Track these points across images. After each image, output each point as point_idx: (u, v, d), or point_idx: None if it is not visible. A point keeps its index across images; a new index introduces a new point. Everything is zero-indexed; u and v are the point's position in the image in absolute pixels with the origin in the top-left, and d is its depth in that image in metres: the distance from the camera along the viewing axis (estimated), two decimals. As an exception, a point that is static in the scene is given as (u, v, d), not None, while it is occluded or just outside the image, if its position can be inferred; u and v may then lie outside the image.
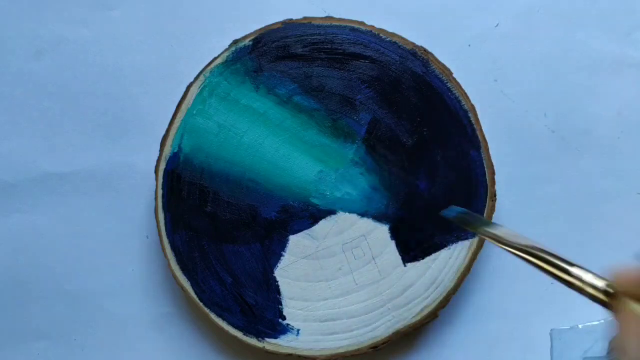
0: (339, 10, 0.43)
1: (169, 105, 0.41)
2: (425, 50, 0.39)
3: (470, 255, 0.38)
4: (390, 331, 0.38)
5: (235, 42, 0.40)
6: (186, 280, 0.39)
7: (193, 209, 0.39)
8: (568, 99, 0.43)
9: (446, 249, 0.38)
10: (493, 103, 0.42)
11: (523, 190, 0.42)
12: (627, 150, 0.42)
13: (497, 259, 0.42)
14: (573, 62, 0.43)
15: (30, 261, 0.43)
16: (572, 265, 0.24)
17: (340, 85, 0.39)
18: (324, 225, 0.39)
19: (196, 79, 0.40)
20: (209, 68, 0.40)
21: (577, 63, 0.43)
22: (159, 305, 0.43)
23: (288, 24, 0.40)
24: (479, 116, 0.39)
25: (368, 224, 0.39)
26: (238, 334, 0.39)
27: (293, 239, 0.39)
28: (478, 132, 0.39)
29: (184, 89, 0.40)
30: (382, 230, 0.39)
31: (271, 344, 0.39)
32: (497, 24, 0.43)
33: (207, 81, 0.40)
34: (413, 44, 0.39)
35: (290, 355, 0.39)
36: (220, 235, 0.39)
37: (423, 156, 0.39)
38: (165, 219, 0.40)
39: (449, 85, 0.39)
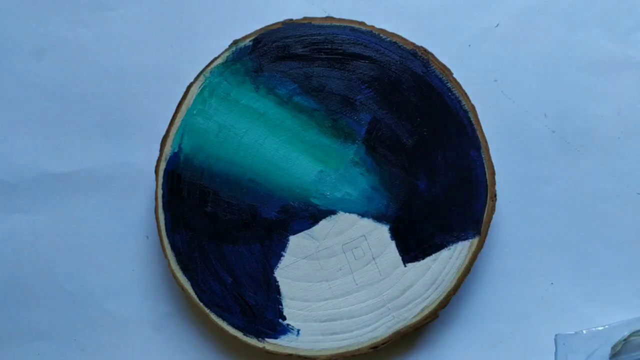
0: (339, 10, 0.43)
1: (169, 105, 0.41)
2: (425, 50, 0.39)
3: (470, 255, 0.38)
4: (390, 331, 0.38)
5: (235, 42, 0.40)
6: (186, 280, 0.39)
7: (193, 209, 0.39)
8: (568, 99, 0.43)
9: (446, 249, 0.38)
10: (493, 103, 0.42)
11: (523, 190, 0.42)
12: (627, 150, 0.42)
13: (497, 259, 0.42)
14: (573, 62, 0.43)
15: (30, 261, 0.43)
16: None
17: (340, 85, 0.39)
18: (324, 225, 0.39)
19: (196, 79, 0.40)
20: (209, 68, 0.40)
21: (577, 63, 0.43)
22: (159, 305, 0.43)
23: (288, 24, 0.40)
24: (479, 116, 0.39)
25: (368, 224, 0.39)
26: (238, 334, 0.39)
27: (293, 239, 0.39)
28: (478, 132, 0.39)
29: (184, 89, 0.40)
30: (382, 230, 0.39)
31: (271, 344, 0.39)
32: (497, 24, 0.43)
33: (207, 81, 0.40)
34: (413, 44, 0.39)
35: (290, 355, 0.39)
36: (220, 235, 0.39)
37: (423, 156, 0.39)
38: (165, 219, 0.40)
39: (449, 85, 0.39)
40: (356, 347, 0.39)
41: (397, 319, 0.38)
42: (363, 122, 0.39)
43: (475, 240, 0.39)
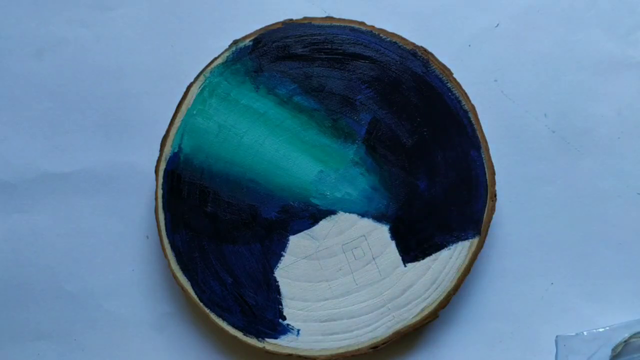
0: (339, 10, 0.43)
1: (169, 105, 0.41)
2: (425, 50, 0.39)
3: (470, 255, 0.38)
4: (390, 331, 0.38)
5: (235, 42, 0.40)
6: (186, 280, 0.39)
7: (193, 209, 0.39)
8: (568, 99, 0.43)
9: (446, 249, 0.38)
10: (493, 103, 0.42)
11: (523, 190, 0.42)
12: (627, 150, 0.42)
13: (497, 259, 0.42)
14: (573, 62, 0.43)
15: (30, 261, 0.43)
16: None
17: (340, 85, 0.39)
18: (324, 225, 0.39)
19: (196, 79, 0.40)
20: (209, 68, 0.40)
21: (577, 63, 0.43)
22: (159, 305, 0.43)
23: (288, 24, 0.40)
24: (479, 116, 0.39)
25: (368, 224, 0.39)
26: (238, 334, 0.39)
27: (293, 239, 0.39)
28: (478, 132, 0.39)
29: (184, 89, 0.40)
30: (382, 230, 0.39)
31: (271, 344, 0.39)
32: (497, 24, 0.43)
33: (207, 81, 0.40)
34: (413, 44, 0.39)
35: (290, 355, 0.39)
36: (220, 235, 0.39)
37: (423, 156, 0.39)
38: (165, 219, 0.40)
39: (449, 85, 0.39)
40: (356, 347, 0.39)
41: (397, 319, 0.38)
42: (363, 122, 0.39)
43: (475, 240, 0.39)
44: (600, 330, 0.38)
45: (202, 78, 0.40)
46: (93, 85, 0.44)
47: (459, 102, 0.39)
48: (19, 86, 0.44)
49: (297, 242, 0.39)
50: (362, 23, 0.40)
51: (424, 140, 0.39)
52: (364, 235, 0.39)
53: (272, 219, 0.39)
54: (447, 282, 0.38)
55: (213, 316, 0.39)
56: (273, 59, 0.40)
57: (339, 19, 0.40)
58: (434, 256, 0.39)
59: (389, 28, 0.40)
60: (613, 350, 0.38)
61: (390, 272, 0.39)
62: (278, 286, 0.39)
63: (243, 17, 0.43)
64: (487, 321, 0.42)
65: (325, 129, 0.39)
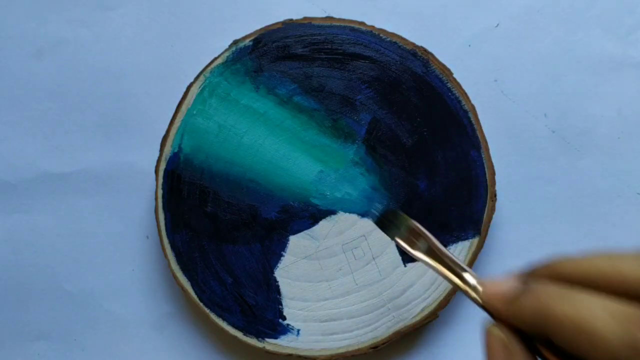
0: (339, 10, 0.43)
1: (169, 105, 0.41)
2: (425, 50, 0.39)
3: (470, 255, 0.38)
4: (390, 331, 0.38)
5: (235, 42, 0.40)
6: (186, 280, 0.39)
7: (193, 209, 0.39)
8: (568, 99, 0.43)
9: (446, 249, 0.38)
10: (493, 103, 0.42)
11: (523, 190, 0.42)
12: (627, 150, 0.42)
13: (498, 259, 0.42)
14: (573, 62, 0.43)
15: (30, 261, 0.43)
16: (464, 270, 0.25)
17: (340, 85, 0.39)
18: (324, 225, 0.39)
19: (196, 79, 0.40)
20: (209, 68, 0.40)
21: (577, 63, 0.43)
22: (159, 305, 0.43)
23: (288, 24, 0.40)
24: (479, 116, 0.39)
25: (368, 224, 0.39)
26: (238, 334, 0.39)
27: (293, 239, 0.39)
28: (478, 132, 0.39)
29: (184, 89, 0.40)
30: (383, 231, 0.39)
31: (271, 344, 0.39)
32: (497, 24, 0.43)
33: (207, 81, 0.40)
34: (413, 44, 0.39)
35: (290, 355, 0.39)
36: (220, 235, 0.39)
37: (423, 156, 0.39)
38: (165, 219, 0.40)
39: (449, 85, 0.39)
40: (356, 347, 0.39)
41: (397, 319, 0.38)
42: (363, 122, 0.39)
43: (475, 240, 0.39)
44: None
45: (202, 78, 0.40)
46: (93, 85, 0.44)
47: (459, 102, 0.39)
48: (19, 86, 0.44)
49: (297, 242, 0.39)
50: (362, 23, 0.40)
51: (424, 140, 0.39)
52: (364, 235, 0.39)
53: (272, 219, 0.39)
54: (447, 283, 0.38)
55: (213, 316, 0.39)
56: (273, 59, 0.40)
57: (339, 19, 0.40)
58: (434, 256, 0.39)
59: (389, 28, 0.40)
60: None
61: (390, 272, 0.39)
62: (278, 286, 0.39)
63: (243, 17, 0.43)
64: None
65: (325, 129, 0.39)
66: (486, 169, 0.39)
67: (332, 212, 0.39)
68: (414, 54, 0.39)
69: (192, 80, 0.40)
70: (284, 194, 0.39)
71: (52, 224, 0.43)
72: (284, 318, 0.39)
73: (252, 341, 0.39)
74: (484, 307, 0.23)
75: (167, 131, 0.40)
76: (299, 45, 0.40)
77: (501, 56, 0.43)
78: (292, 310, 0.39)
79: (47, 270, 0.43)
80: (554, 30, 0.43)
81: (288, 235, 0.39)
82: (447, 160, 0.39)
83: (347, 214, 0.39)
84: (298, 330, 0.39)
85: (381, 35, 0.39)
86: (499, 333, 0.21)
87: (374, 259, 0.39)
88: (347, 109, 0.39)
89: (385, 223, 0.33)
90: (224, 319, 0.39)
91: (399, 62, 0.39)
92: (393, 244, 0.39)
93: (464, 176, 0.39)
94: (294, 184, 0.39)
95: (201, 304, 0.39)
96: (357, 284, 0.39)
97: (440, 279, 0.38)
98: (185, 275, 0.39)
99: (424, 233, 0.29)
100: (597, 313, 0.18)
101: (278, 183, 0.39)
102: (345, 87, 0.39)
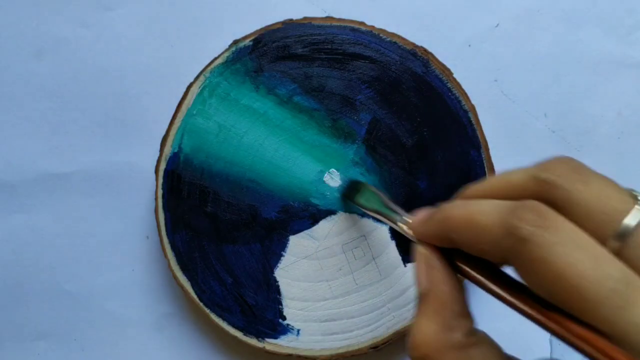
0: (339, 10, 0.43)
1: (169, 105, 0.41)
2: (425, 50, 0.39)
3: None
4: (390, 331, 0.38)
5: (235, 42, 0.40)
6: (186, 280, 0.39)
7: (193, 209, 0.39)
8: (568, 99, 0.43)
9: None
10: (493, 103, 0.42)
11: (523, 190, 0.42)
12: (627, 150, 0.42)
13: (497, 259, 0.42)
14: (573, 62, 0.43)
15: (30, 261, 0.43)
16: (404, 214, 0.29)
17: (340, 85, 0.39)
18: (324, 225, 0.39)
19: (196, 79, 0.40)
20: (209, 68, 0.40)
21: (577, 63, 0.43)
22: (159, 305, 0.43)
23: (288, 24, 0.40)
24: (479, 116, 0.39)
25: (368, 224, 0.39)
26: (238, 334, 0.39)
27: (293, 239, 0.39)
28: (478, 132, 0.39)
29: (184, 89, 0.40)
30: (382, 230, 0.39)
31: (271, 344, 0.39)
32: (497, 24, 0.43)
33: (207, 81, 0.40)
34: (413, 44, 0.39)
35: (290, 355, 0.39)
36: (220, 235, 0.39)
37: (423, 156, 0.39)
38: (165, 219, 0.40)
39: (449, 85, 0.39)
40: (356, 347, 0.39)
41: (397, 319, 0.38)
42: (363, 122, 0.39)
43: (475, 240, 0.39)
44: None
45: (202, 78, 0.40)
46: (93, 85, 0.44)
47: (459, 102, 0.39)
48: (19, 86, 0.44)
49: (297, 242, 0.39)
50: (362, 23, 0.40)
51: (424, 140, 0.39)
52: (364, 235, 0.39)
53: (272, 219, 0.39)
54: (447, 282, 0.38)
55: (213, 316, 0.39)
56: (273, 59, 0.40)
57: (339, 19, 0.40)
58: (434, 256, 0.39)
59: (389, 28, 0.40)
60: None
61: (390, 272, 0.39)
62: (278, 286, 0.39)
63: (243, 17, 0.43)
64: (487, 321, 0.42)
65: (325, 129, 0.39)
66: (486, 169, 0.39)
67: (332, 212, 0.39)
68: (414, 54, 0.39)
69: (192, 80, 0.40)
70: (284, 194, 0.39)
71: (52, 224, 0.43)
72: (284, 318, 0.39)
73: (252, 341, 0.39)
74: (412, 235, 0.26)
75: (167, 131, 0.40)
76: (299, 45, 0.40)
77: (501, 56, 0.43)
78: (292, 310, 0.39)
79: (47, 270, 0.43)
80: (554, 30, 0.43)
81: (288, 235, 0.39)
82: (447, 160, 0.39)
83: (347, 214, 0.39)
84: (298, 330, 0.39)
85: (381, 35, 0.39)
86: (422, 249, 0.24)
87: (374, 259, 0.39)
88: (347, 109, 0.39)
89: (349, 193, 0.37)
90: (224, 319, 0.39)
91: (399, 62, 0.39)
92: (393, 243, 0.39)
93: (464, 176, 0.39)
94: (294, 184, 0.39)
95: (201, 304, 0.39)
96: (357, 284, 0.39)
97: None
98: (185, 275, 0.39)
99: (377, 192, 0.34)
100: (483, 209, 0.21)
101: (278, 183, 0.39)
102: (345, 87, 0.39)
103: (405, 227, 0.27)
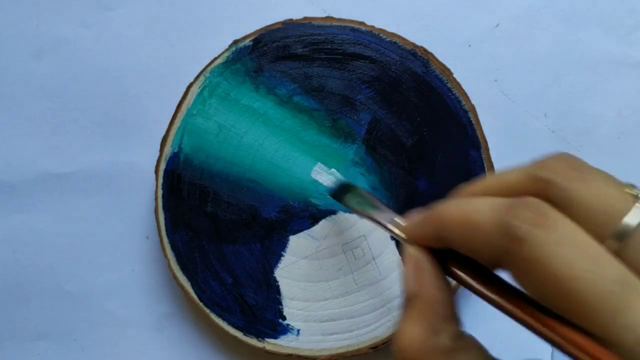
0: (339, 10, 0.43)
1: (169, 105, 0.41)
2: (425, 50, 0.39)
3: (470, 255, 0.38)
4: (390, 331, 0.38)
5: (235, 42, 0.40)
6: (186, 280, 0.39)
7: (193, 209, 0.39)
8: (568, 99, 0.43)
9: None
10: (493, 103, 0.42)
11: (523, 190, 0.42)
12: (627, 150, 0.42)
13: (497, 259, 0.42)
14: (573, 62, 0.43)
15: (30, 261, 0.43)
16: (396, 217, 0.28)
17: (340, 85, 0.39)
18: (324, 225, 0.39)
19: (196, 79, 0.40)
20: (209, 68, 0.40)
21: (577, 63, 0.43)
22: (159, 305, 0.43)
23: (288, 24, 0.40)
24: (479, 116, 0.39)
25: (368, 223, 0.39)
26: (238, 334, 0.39)
27: (293, 239, 0.39)
28: (478, 132, 0.39)
29: (184, 89, 0.40)
30: (382, 231, 0.39)
31: (271, 344, 0.39)
32: (497, 24, 0.43)
33: (207, 81, 0.40)
34: (413, 44, 0.39)
35: (290, 355, 0.39)
36: (220, 235, 0.39)
37: (423, 156, 0.39)
38: (165, 219, 0.40)
39: (449, 85, 0.39)
40: (356, 347, 0.39)
41: (397, 319, 0.38)
42: (363, 122, 0.39)
43: (475, 240, 0.39)
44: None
45: (202, 78, 0.40)
46: (93, 85, 0.44)
47: (459, 102, 0.39)
48: (19, 86, 0.44)
49: (297, 242, 0.39)
50: (362, 23, 0.40)
51: (424, 140, 0.39)
52: (364, 235, 0.39)
53: (272, 219, 0.39)
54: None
55: (213, 316, 0.39)
56: (273, 59, 0.40)
57: (339, 19, 0.40)
58: (434, 256, 0.39)
59: (389, 28, 0.40)
60: None
61: (390, 272, 0.39)
62: (278, 286, 0.39)
63: (243, 17, 0.43)
64: (487, 321, 0.42)
65: (325, 129, 0.39)
66: (486, 169, 0.39)
67: (332, 212, 0.39)
68: (414, 54, 0.39)
69: (192, 80, 0.40)
70: (284, 194, 0.39)
71: (52, 224, 0.43)
72: (284, 318, 0.39)
73: (252, 341, 0.39)
74: (405, 238, 0.25)
75: (167, 131, 0.40)
76: (299, 45, 0.40)
77: (501, 56, 0.43)
78: (292, 310, 0.39)
79: (47, 270, 0.43)
80: (554, 30, 0.43)
81: (288, 235, 0.39)
82: (447, 160, 0.39)
83: (347, 214, 0.39)
84: (298, 330, 0.39)
85: (381, 35, 0.39)
86: (412, 251, 0.23)
87: (374, 259, 0.39)
88: (347, 109, 0.39)
89: (339, 194, 0.36)
90: (224, 319, 0.39)
91: (399, 62, 0.39)
92: (393, 243, 0.39)
93: (464, 176, 0.39)
94: (294, 184, 0.39)
95: (201, 304, 0.39)
96: (357, 284, 0.39)
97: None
98: (185, 275, 0.39)
99: (368, 195, 0.33)
100: (478, 208, 0.20)
101: (278, 183, 0.39)
102: (345, 87, 0.39)
103: (396, 230, 0.27)
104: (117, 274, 0.43)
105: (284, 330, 0.39)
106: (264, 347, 0.39)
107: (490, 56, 0.43)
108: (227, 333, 0.39)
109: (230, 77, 0.40)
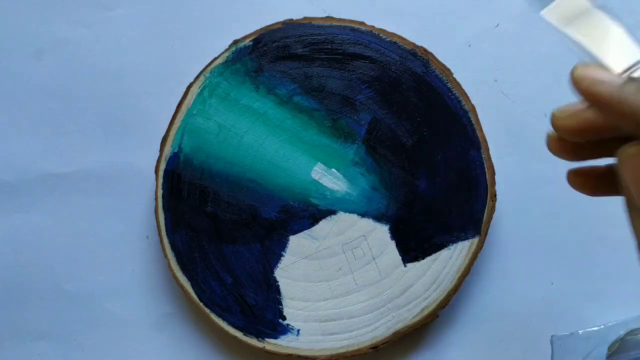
0: (339, 10, 0.43)
1: (169, 105, 0.41)
2: (425, 50, 0.39)
3: (470, 255, 0.38)
4: (390, 331, 0.38)
5: (235, 42, 0.40)
6: (186, 280, 0.39)
7: (193, 209, 0.39)
8: (568, 99, 0.42)
9: (446, 249, 0.38)
10: (493, 103, 0.42)
11: (523, 190, 0.42)
12: (627, 150, 0.42)
13: (497, 259, 0.42)
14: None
15: (30, 261, 0.43)
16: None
17: (340, 85, 0.39)
18: (324, 225, 0.39)
19: (196, 79, 0.40)
20: (209, 68, 0.40)
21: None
22: (159, 305, 0.43)
23: (288, 24, 0.40)
24: (479, 116, 0.39)
25: (368, 224, 0.39)
26: (238, 334, 0.39)
27: (293, 239, 0.39)
28: (478, 132, 0.39)
29: (184, 89, 0.40)
30: (382, 230, 0.39)
31: (271, 344, 0.39)
32: (497, 24, 0.43)
33: (207, 81, 0.40)
34: (413, 44, 0.39)
35: (290, 355, 0.39)
36: (220, 235, 0.39)
37: (423, 156, 0.39)
38: (165, 219, 0.40)
39: (449, 85, 0.39)
40: (356, 347, 0.39)
41: (397, 319, 0.38)
42: (363, 122, 0.39)
43: (475, 240, 0.39)
44: (595, 328, 0.38)
45: (202, 78, 0.40)
46: (93, 85, 0.44)
47: (459, 102, 0.39)
48: (19, 86, 0.44)
49: (297, 242, 0.39)
50: (362, 23, 0.40)
51: (424, 140, 0.39)
52: (364, 235, 0.39)
53: (272, 219, 0.39)
54: (447, 282, 0.38)
55: (213, 316, 0.39)
56: (273, 59, 0.40)
57: (339, 19, 0.40)
58: (434, 256, 0.39)
59: (389, 28, 0.40)
60: (609, 348, 0.38)
61: (390, 272, 0.39)
62: (278, 286, 0.39)
63: (243, 17, 0.43)
64: (487, 321, 0.42)
65: (325, 129, 0.39)
66: (486, 169, 0.39)
67: (332, 212, 0.39)
68: (414, 54, 0.39)
69: (192, 80, 0.40)
70: (284, 194, 0.39)
71: (52, 224, 0.43)
72: (284, 318, 0.39)
73: (252, 341, 0.39)
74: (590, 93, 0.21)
75: (167, 131, 0.40)
76: (299, 45, 0.40)
77: (501, 56, 0.43)
78: (292, 310, 0.39)
79: (47, 270, 0.43)
80: (554, 30, 0.43)
81: (288, 235, 0.39)
82: (447, 160, 0.39)
83: (347, 214, 0.39)
84: (298, 330, 0.39)
85: (381, 35, 0.39)
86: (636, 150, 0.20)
87: (374, 259, 0.39)
88: (347, 109, 0.39)
89: None
90: (224, 319, 0.39)
91: (399, 62, 0.39)
92: (393, 243, 0.39)
93: (464, 176, 0.39)
94: (294, 184, 0.39)
95: (201, 304, 0.39)
96: (357, 284, 0.39)
97: (440, 278, 0.38)
98: (185, 275, 0.39)
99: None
100: None
101: (278, 183, 0.39)
102: (345, 87, 0.39)
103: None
104: (117, 274, 0.43)
105: (284, 330, 0.39)
106: (264, 347, 0.39)
107: (490, 56, 0.43)
108: (227, 333, 0.39)
109: (230, 77, 0.40)
